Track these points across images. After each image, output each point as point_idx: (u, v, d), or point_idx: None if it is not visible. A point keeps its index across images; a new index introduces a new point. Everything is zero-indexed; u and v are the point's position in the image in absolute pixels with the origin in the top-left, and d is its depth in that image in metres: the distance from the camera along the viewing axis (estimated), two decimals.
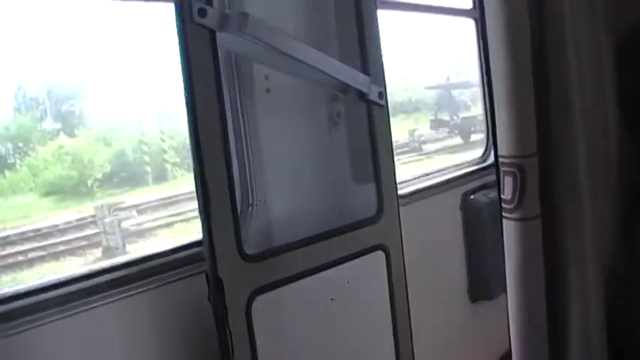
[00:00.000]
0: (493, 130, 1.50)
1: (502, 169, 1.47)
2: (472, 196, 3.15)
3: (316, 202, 2.26)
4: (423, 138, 14.01)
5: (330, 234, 2.14)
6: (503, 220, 1.52)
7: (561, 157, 1.44)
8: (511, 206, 1.48)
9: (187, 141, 1.88)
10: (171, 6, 1.80)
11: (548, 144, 1.43)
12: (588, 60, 1.47)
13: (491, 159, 3.38)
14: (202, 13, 1.79)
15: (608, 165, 1.56)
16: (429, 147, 13.84)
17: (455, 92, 15.87)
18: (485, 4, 1.45)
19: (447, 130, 14.91)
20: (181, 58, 1.78)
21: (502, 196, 1.51)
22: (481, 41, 3.38)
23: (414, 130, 14.06)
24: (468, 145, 13.86)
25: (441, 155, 13.16)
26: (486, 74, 1.58)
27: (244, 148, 2.11)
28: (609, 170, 1.56)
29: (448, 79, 15.40)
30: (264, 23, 1.95)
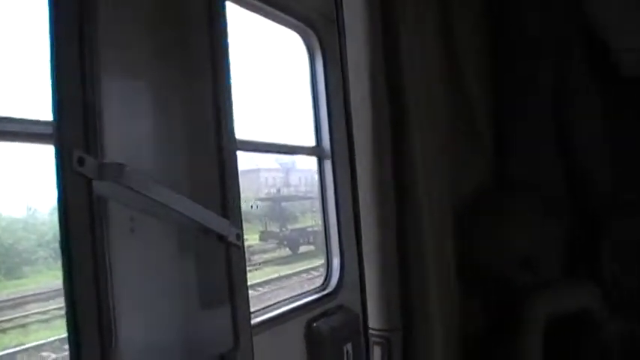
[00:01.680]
0: (363, 302, 1.72)
1: (372, 339, 1.69)
2: (315, 324, 3.30)
3: (175, 338, 2.33)
4: (252, 249, 14.17)
5: None
6: None
7: (420, 332, 1.69)
8: None
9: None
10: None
11: (410, 320, 1.67)
12: (436, 242, 1.76)
13: (330, 287, 3.61)
14: (81, 161, 1.89)
15: (459, 337, 1.84)
16: (258, 258, 14.00)
17: (285, 204, 16.28)
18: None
19: (277, 241, 15.19)
20: (59, 203, 1.85)
21: None
22: (324, 177, 3.70)
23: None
24: (296, 256, 14.18)
25: (270, 267, 13.36)
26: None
27: (108, 288, 2.15)
28: (460, 341, 1.84)
29: (279, 191, 15.87)
30: (137, 172, 2.08)
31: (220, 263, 2.39)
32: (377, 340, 1.67)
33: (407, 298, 1.65)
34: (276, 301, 3.49)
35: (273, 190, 16.60)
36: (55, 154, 1.88)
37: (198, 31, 2.50)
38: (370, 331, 1.67)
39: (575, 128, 2.35)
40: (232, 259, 2.39)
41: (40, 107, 2.11)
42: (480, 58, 2.22)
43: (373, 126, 1.63)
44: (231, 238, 2.38)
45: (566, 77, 2.35)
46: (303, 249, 15.25)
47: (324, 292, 3.63)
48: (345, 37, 1.74)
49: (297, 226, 15.61)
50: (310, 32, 3.77)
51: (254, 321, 3.07)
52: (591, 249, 2.02)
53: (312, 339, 3.32)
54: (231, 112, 2.51)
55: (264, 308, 3.28)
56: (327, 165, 3.77)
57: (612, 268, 1.94)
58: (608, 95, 2.58)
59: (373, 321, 1.66)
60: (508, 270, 1.96)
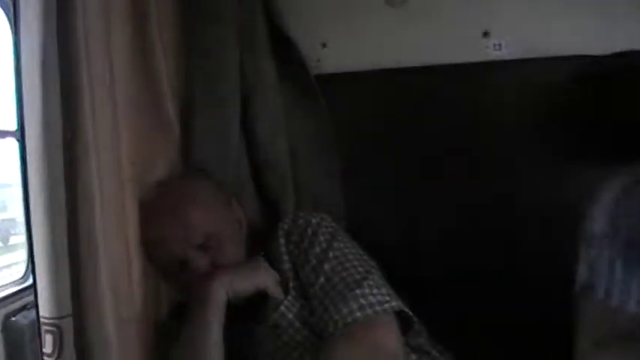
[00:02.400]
0: (35, 291, 1.70)
1: (43, 327, 1.68)
2: (13, 318, 3.15)
3: None
4: None
5: None
6: None
7: (91, 317, 1.72)
8: (52, 359, 1.70)
9: None
10: None
11: (81, 306, 1.69)
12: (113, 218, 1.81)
13: (31, 280, 3.46)
14: None
15: (139, 320, 1.93)
16: None
17: None
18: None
19: None
20: None
21: (44, 350, 1.71)
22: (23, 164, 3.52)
23: None
24: (7, 248, 13.17)
25: None
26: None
27: None
28: (140, 324, 1.92)
29: None
30: None
31: None
32: (48, 328, 1.67)
33: (77, 284, 1.67)
34: None
35: None
36: None
37: None
38: (42, 320, 1.67)
39: (258, 121, 2.52)
40: None
41: None
42: (172, 35, 2.28)
43: (42, 104, 1.60)
44: None
45: (250, 70, 2.50)
46: (15, 240, 14.23)
47: (25, 285, 3.46)
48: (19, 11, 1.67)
49: (8, 215, 14.55)
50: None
51: None
52: (268, 237, 2.20)
53: (10, 334, 3.17)
54: None
55: None
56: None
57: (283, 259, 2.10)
58: (293, 90, 2.75)
59: (45, 310, 1.66)
60: (190, 253, 2.06)
